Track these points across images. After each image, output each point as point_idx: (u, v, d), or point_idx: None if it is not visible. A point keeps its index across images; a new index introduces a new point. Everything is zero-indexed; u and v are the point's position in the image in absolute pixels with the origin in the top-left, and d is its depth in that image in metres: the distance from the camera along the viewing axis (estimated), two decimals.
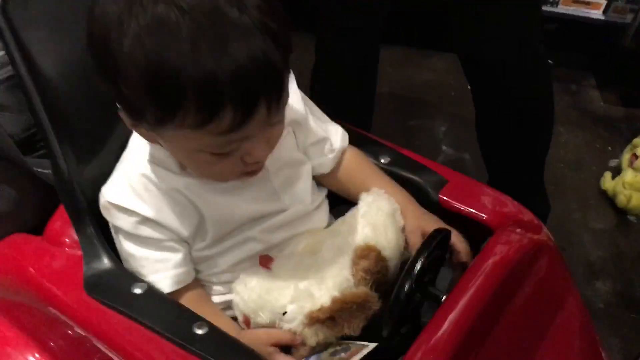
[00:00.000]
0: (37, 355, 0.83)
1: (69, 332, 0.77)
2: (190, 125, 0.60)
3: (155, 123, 0.62)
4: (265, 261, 0.74)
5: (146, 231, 0.72)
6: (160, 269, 0.74)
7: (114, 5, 0.57)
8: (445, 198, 0.87)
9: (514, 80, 1.24)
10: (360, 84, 1.41)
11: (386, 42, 1.46)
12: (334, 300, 0.68)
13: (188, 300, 0.75)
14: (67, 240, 0.78)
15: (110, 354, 0.71)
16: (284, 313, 0.69)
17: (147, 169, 0.72)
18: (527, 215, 0.86)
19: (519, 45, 1.19)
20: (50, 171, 0.78)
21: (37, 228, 0.84)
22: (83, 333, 0.74)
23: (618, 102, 2.13)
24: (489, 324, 0.72)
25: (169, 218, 0.72)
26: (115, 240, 0.76)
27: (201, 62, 0.55)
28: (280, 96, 0.63)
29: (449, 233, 0.74)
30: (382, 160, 0.92)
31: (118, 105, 0.64)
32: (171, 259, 0.74)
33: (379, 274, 0.71)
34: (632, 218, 1.70)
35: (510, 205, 0.87)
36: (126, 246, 0.74)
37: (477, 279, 0.73)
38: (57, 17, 0.75)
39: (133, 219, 0.72)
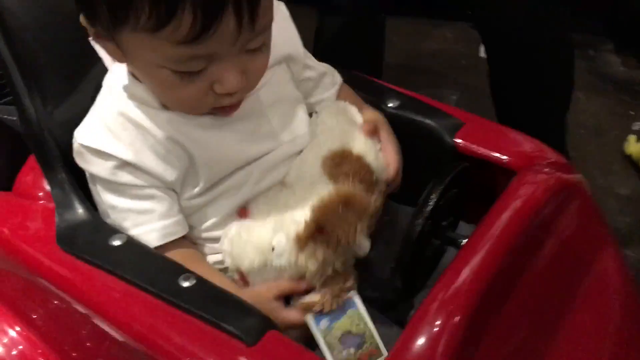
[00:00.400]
0: (17, 328, 0.77)
1: (49, 297, 0.70)
2: (145, 28, 0.52)
3: (109, 24, 0.54)
4: (243, 212, 0.66)
5: (126, 177, 0.63)
6: (144, 221, 0.65)
7: None
8: (461, 141, 0.77)
9: (533, 47, 1.22)
10: (365, 54, 1.34)
11: (392, 13, 1.40)
12: (314, 209, 0.59)
13: (178, 258, 0.65)
14: (41, 193, 0.70)
15: (92, 316, 0.63)
16: (273, 249, 0.61)
17: (124, 106, 0.64)
18: (555, 156, 0.77)
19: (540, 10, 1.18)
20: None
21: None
22: (61, 294, 0.66)
23: (638, 65, 2.03)
24: (514, 273, 0.64)
25: (151, 161, 0.63)
26: (93, 192, 0.67)
27: None
28: (253, 8, 0.54)
29: (466, 166, 0.65)
30: (390, 105, 0.82)
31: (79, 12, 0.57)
32: (156, 209, 0.65)
33: (364, 178, 0.62)
34: None
35: (535, 145, 0.78)
36: (105, 197, 0.65)
37: (500, 222, 0.64)
38: None
39: (110, 164, 0.63)
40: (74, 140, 0.65)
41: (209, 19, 0.52)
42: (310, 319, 0.62)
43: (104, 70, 0.69)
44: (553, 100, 1.38)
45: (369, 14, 1.30)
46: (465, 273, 0.60)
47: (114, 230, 0.64)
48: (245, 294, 0.62)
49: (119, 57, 0.61)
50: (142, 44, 0.55)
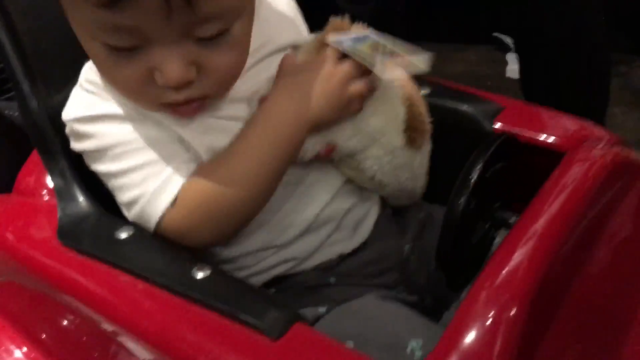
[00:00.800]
0: (24, 349, 0.70)
1: (56, 308, 0.64)
2: None
3: None
4: None
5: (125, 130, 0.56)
6: (162, 168, 0.56)
7: None
8: (501, 125, 0.70)
9: (569, 62, 1.23)
10: None
11: (413, 40, 1.37)
12: None
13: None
14: (44, 191, 0.64)
15: (100, 321, 0.56)
16: None
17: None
18: (608, 134, 0.69)
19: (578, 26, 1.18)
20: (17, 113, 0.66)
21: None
22: (67, 299, 0.59)
23: None
24: (574, 260, 0.55)
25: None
26: (100, 168, 0.58)
27: None
28: None
29: (512, 136, 0.58)
30: (422, 92, 0.76)
31: None
32: (182, 154, 0.57)
33: None
34: None
35: (584, 124, 0.70)
36: (112, 166, 0.57)
37: (553, 202, 0.56)
38: None
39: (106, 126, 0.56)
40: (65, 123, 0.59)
41: None
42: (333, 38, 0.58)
43: None
44: (589, 113, 1.34)
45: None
46: (518, 258, 0.51)
47: (120, 223, 0.57)
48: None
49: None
50: (74, 13, 0.50)
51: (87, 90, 0.58)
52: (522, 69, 1.33)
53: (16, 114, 0.68)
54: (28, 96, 0.61)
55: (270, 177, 0.56)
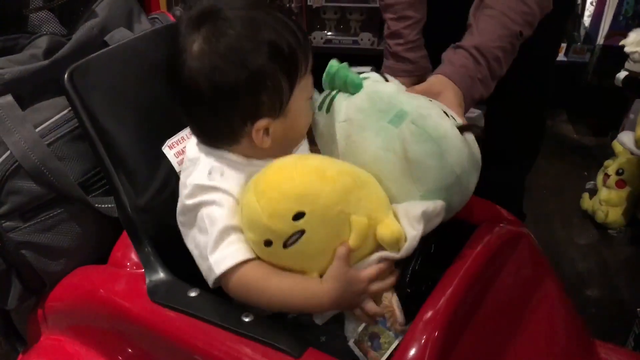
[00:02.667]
0: None
1: (134, 341, 0.93)
2: (302, 73, 0.84)
3: (289, 94, 0.83)
4: None
5: (228, 203, 0.81)
6: (238, 238, 0.80)
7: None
8: None
9: (521, 128, 1.50)
10: None
11: None
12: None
13: (262, 270, 0.80)
14: (128, 263, 0.94)
15: (170, 350, 0.86)
16: None
17: (219, 161, 0.85)
18: (506, 214, 1.03)
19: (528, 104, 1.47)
20: (108, 205, 0.96)
21: (99, 261, 1.01)
22: (148, 338, 0.90)
23: (588, 132, 2.34)
24: (477, 300, 0.87)
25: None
26: (200, 218, 0.82)
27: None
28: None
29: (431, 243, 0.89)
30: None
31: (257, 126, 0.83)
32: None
33: None
34: (612, 232, 1.87)
35: (490, 207, 1.04)
36: (216, 213, 0.81)
37: (466, 262, 0.89)
38: (111, 82, 0.94)
39: (219, 194, 0.82)
40: (183, 187, 0.86)
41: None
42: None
43: (171, 171, 0.96)
44: (521, 166, 1.65)
45: None
46: (441, 301, 0.82)
47: (189, 286, 0.88)
48: (327, 282, 0.80)
49: (268, 142, 0.84)
50: (301, 90, 0.85)
51: (208, 171, 0.84)
52: (487, 118, 1.62)
53: (106, 206, 0.97)
54: (123, 200, 0.92)
55: (289, 310, 0.86)
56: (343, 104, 0.88)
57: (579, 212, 1.96)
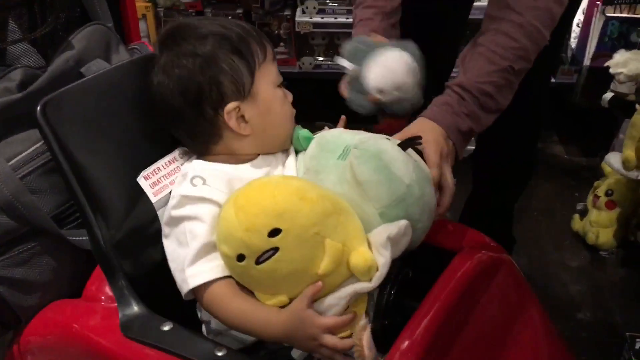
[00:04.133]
0: None
1: None
2: (261, 61, 0.91)
3: (249, 77, 0.90)
4: None
5: (212, 214, 0.84)
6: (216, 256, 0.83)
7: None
8: None
9: (512, 157, 1.55)
10: None
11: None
12: None
13: (231, 289, 0.83)
14: (103, 297, 0.93)
15: None
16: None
17: (203, 170, 0.91)
18: (488, 240, 1.02)
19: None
20: (82, 238, 0.95)
21: (74, 294, 0.99)
22: None
23: (579, 153, 2.33)
24: (457, 329, 0.87)
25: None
26: (181, 232, 0.86)
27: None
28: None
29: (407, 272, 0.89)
30: None
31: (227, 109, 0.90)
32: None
33: None
34: (603, 253, 1.86)
35: (473, 233, 1.03)
36: (199, 229, 0.84)
37: (445, 290, 0.88)
38: (85, 114, 0.93)
39: (204, 206, 0.85)
40: (171, 198, 0.89)
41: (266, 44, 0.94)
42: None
43: (147, 202, 0.95)
44: (513, 189, 1.66)
45: None
46: (419, 330, 0.81)
47: (162, 320, 0.87)
48: (284, 313, 0.80)
49: (247, 129, 0.92)
50: (264, 75, 0.92)
51: (193, 185, 0.88)
52: (478, 141, 1.62)
53: (80, 238, 0.96)
54: (96, 234, 0.90)
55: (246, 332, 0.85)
56: (300, 158, 0.97)
57: (570, 233, 1.95)
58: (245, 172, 0.93)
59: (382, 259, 0.80)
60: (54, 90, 0.93)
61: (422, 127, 1.01)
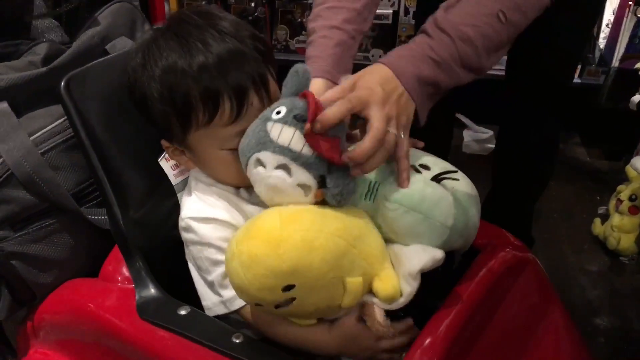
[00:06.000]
0: None
1: (123, 358, 0.90)
2: (203, 123, 0.79)
3: (181, 134, 0.82)
4: None
5: (227, 232, 0.82)
6: None
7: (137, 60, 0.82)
8: None
9: (533, 153, 1.48)
10: None
11: None
12: None
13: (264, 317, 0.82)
14: (119, 277, 0.92)
15: None
16: None
17: (209, 190, 0.87)
18: (512, 238, 1.00)
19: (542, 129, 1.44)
20: (101, 217, 0.93)
21: (90, 274, 0.98)
22: (136, 357, 0.87)
23: (602, 156, 2.29)
24: (479, 328, 0.84)
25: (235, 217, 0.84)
26: (198, 257, 0.84)
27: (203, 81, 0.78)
28: (265, 84, 0.80)
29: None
30: None
31: (162, 142, 0.87)
32: None
33: None
34: (623, 259, 1.82)
35: (497, 231, 1.00)
36: (215, 255, 0.83)
37: (468, 288, 0.85)
38: (109, 92, 0.92)
39: (212, 225, 0.83)
40: (180, 220, 0.86)
41: (240, 101, 0.78)
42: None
43: (168, 184, 0.93)
44: (532, 189, 1.63)
45: None
46: (441, 328, 0.79)
47: (180, 303, 0.85)
48: (334, 331, 0.80)
49: (190, 164, 0.87)
50: (204, 136, 0.81)
51: (204, 202, 0.85)
52: (499, 139, 1.60)
53: (98, 217, 0.95)
54: (116, 214, 0.89)
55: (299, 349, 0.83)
56: None
57: (590, 237, 1.92)
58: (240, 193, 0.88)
59: (409, 289, 0.76)
60: (78, 66, 0.92)
61: (365, 71, 0.82)
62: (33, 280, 0.95)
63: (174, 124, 0.81)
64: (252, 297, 0.74)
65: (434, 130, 0.88)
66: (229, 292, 0.82)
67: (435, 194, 0.78)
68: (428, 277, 0.85)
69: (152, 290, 0.87)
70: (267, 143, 0.75)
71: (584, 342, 0.97)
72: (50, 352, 0.99)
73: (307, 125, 0.72)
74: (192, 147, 0.84)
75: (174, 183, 0.93)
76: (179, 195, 0.94)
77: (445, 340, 0.77)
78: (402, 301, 0.77)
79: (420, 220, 0.77)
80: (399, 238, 0.80)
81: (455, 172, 0.83)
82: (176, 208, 0.91)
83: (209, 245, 0.83)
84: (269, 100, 0.81)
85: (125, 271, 0.91)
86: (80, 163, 0.93)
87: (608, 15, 2.14)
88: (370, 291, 0.78)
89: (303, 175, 0.74)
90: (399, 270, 0.78)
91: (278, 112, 0.76)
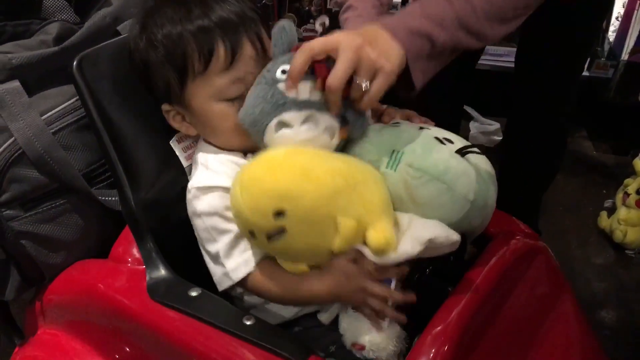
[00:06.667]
0: None
1: (132, 340, 0.90)
2: (199, 71, 0.80)
3: (178, 87, 0.83)
4: None
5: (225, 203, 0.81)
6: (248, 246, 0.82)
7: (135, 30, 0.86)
8: None
9: (541, 145, 1.50)
10: None
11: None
12: None
13: (271, 271, 0.82)
14: (130, 258, 0.91)
15: (168, 350, 0.83)
16: None
17: (204, 154, 0.88)
18: (524, 227, 0.99)
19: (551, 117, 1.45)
20: (112, 198, 0.93)
21: (99, 256, 0.98)
22: (145, 337, 0.87)
23: (608, 150, 2.28)
24: (491, 313, 0.84)
25: None
26: (204, 228, 0.84)
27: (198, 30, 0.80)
28: (260, 38, 0.82)
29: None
30: None
31: (163, 106, 0.88)
32: None
33: None
34: (629, 252, 1.82)
35: (507, 219, 1.00)
36: (221, 224, 0.82)
37: (480, 275, 0.85)
38: (121, 72, 0.90)
39: (219, 193, 0.82)
40: (187, 192, 0.85)
41: (234, 46, 0.79)
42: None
43: (179, 166, 0.93)
44: (539, 182, 1.63)
45: None
46: (453, 313, 0.79)
47: (191, 285, 0.85)
48: (325, 274, 0.79)
49: (191, 129, 0.88)
50: (200, 87, 0.82)
51: (206, 167, 0.86)
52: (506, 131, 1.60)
53: (109, 198, 0.94)
54: (127, 195, 0.88)
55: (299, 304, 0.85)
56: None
57: (596, 230, 1.91)
58: (248, 159, 0.88)
59: (408, 249, 0.75)
60: (89, 46, 0.92)
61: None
62: (42, 261, 0.95)
63: (172, 78, 0.83)
64: (245, 222, 0.75)
65: (442, 122, 0.88)
66: (231, 262, 0.82)
67: (460, 166, 0.79)
68: (440, 265, 0.86)
69: (163, 272, 0.87)
70: (287, 103, 0.76)
71: (595, 334, 0.97)
72: (59, 333, 0.99)
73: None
74: (190, 103, 0.84)
75: (184, 165, 0.93)
76: (190, 177, 0.93)
77: (456, 326, 0.77)
78: (393, 257, 0.75)
79: (444, 190, 0.77)
80: (419, 209, 0.79)
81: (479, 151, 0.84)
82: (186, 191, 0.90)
83: (215, 213, 0.82)
84: (263, 53, 0.82)
85: (135, 253, 0.91)
86: (91, 143, 0.93)
87: (618, 9, 2.12)
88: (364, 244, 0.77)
89: (328, 120, 0.78)
90: (407, 232, 0.76)
91: (284, 72, 0.77)
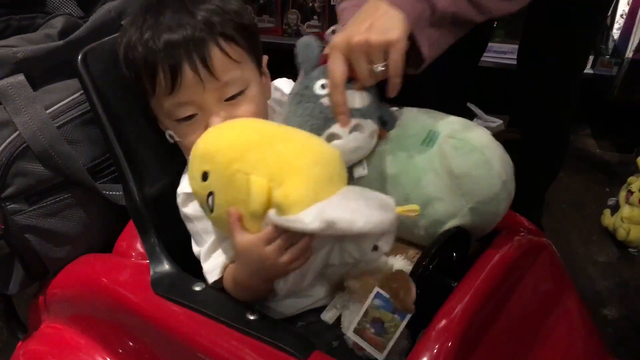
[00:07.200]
0: (107, 357, 0.96)
1: (135, 334, 0.90)
2: (150, 94, 0.84)
3: (148, 105, 0.86)
4: None
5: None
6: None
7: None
8: None
9: (543, 143, 1.49)
10: None
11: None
12: None
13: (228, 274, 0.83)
14: (133, 253, 0.91)
15: (172, 344, 0.83)
16: None
17: None
18: (528, 223, 0.99)
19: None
20: (116, 193, 0.93)
21: (103, 251, 0.98)
22: (149, 332, 0.87)
23: (612, 148, 2.28)
24: (495, 309, 0.84)
25: None
26: (194, 231, 0.87)
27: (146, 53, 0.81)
28: (205, 63, 0.80)
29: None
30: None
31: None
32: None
33: None
34: (633, 250, 1.82)
35: (511, 215, 0.99)
36: (203, 225, 0.85)
37: (483, 271, 0.85)
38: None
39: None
40: (177, 196, 0.87)
41: (173, 72, 0.80)
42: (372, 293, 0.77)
43: (183, 162, 0.93)
44: (542, 179, 1.63)
45: None
46: (457, 309, 0.79)
47: (194, 280, 0.85)
48: (236, 259, 0.79)
49: (167, 131, 0.88)
50: (157, 106, 0.85)
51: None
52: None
53: (113, 193, 0.94)
54: (132, 189, 0.89)
55: (252, 293, 0.82)
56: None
57: (599, 228, 1.91)
58: None
59: (306, 222, 0.67)
60: (94, 40, 0.92)
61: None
62: (46, 255, 0.95)
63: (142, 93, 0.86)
64: (196, 197, 0.78)
65: None
66: (207, 265, 0.85)
67: (499, 147, 0.82)
68: (444, 261, 0.86)
69: (167, 266, 0.87)
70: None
71: (598, 332, 0.96)
72: (62, 327, 0.99)
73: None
74: (158, 118, 0.88)
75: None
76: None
77: (460, 323, 0.77)
78: (291, 219, 0.68)
79: (482, 162, 0.80)
80: (454, 180, 0.80)
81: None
82: None
83: (202, 217, 0.83)
84: (210, 75, 0.80)
85: (139, 247, 0.91)
86: (96, 138, 0.93)
87: (623, 6, 2.11)
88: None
89: (371, 125, 0.82)
90: (321, 205, 0.70)
91: (323, 86, 0.80)
